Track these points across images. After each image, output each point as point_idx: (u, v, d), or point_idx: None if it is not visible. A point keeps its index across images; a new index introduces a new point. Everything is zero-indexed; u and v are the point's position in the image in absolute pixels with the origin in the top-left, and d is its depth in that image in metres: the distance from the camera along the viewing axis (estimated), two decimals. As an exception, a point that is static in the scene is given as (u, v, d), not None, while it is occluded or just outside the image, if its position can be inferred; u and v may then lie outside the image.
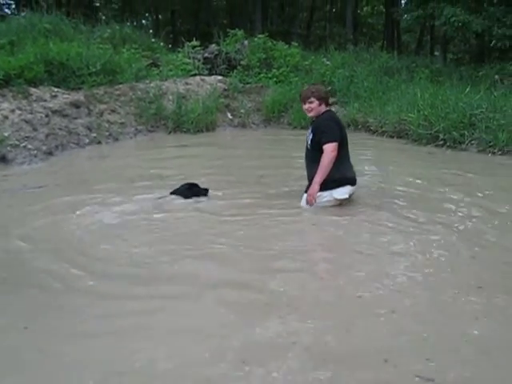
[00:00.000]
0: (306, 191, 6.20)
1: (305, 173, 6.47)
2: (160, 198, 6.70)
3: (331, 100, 13.96)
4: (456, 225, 5.63)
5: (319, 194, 6.07)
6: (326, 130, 6.04)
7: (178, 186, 6.94)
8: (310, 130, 6.32)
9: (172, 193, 6.81)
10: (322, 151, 5.97)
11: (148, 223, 5.76)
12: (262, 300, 3.87)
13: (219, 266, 4.52)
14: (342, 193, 6.16)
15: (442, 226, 5.56)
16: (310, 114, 6.39)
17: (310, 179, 6.17)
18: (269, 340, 3.32)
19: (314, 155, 6.12)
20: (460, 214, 6.07)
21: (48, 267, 4.54)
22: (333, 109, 13.42)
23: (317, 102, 6.20)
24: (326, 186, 6.04)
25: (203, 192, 6.88)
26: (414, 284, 4.16)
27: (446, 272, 4.40)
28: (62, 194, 6.94)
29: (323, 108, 6.25)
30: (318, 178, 5.98)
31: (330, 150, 5.94)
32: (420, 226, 5.61)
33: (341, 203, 6.20)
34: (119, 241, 5.23)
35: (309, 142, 6.25)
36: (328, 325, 3.54)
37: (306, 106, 6.30)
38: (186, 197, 6.72)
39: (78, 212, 6.13)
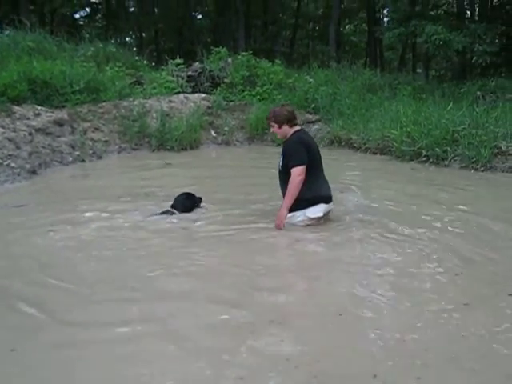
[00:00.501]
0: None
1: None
2: (162, 213, 6.66)
3: (314, 117, 14.23)
4: (438, 240, 5.62)
5: (292, 214, 6.09)
6: (293, 153, 6.04)
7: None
8: (281, 152, 6.33)
9: (173, 206, 6.76)
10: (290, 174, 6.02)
11: (126, 242, 5.69)
12: (247, 319, 3.86)
13: (201, 286, 4.50)
14: (315, 211, 6.14)
15: (424, 242, 5.57)
16: (278, 137, 6.56)
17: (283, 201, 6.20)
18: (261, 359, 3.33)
19: (284, 177, 6.13)
20: (442, 229, 6.07)
21: (26, 286, 4.50)
22: (316, 126, 13.73)
23: (276, 126, 6.24)
24: (298, 205, 6.05)
25: (199, 201, 7.01)
26: (398, 301, 4.15)
27: (430, 289, 4.39)
28: (43, 213, 6.90)
29: (288, 129, 6.24)
30: (286, 202, 6.02)
31: (296, 174, 5.94)
32: (402, 242, 5.61)
33: (318, 221, 6.19)
34: (94, 260, 5.18)
35: (280, 165, 6.25)
36: (315, 342, 3.55)
37: (271, 130, 6.43)
38: (186, 208, 6.76)
39: (56, 230, 6.10)
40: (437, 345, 3.45)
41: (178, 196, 6.90)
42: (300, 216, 6.13)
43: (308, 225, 6.14)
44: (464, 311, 3.95)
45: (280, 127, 6.22)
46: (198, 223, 6.41)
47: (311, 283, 4.76)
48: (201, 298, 4.25)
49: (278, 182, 6.44)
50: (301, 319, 3.88)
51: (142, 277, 4.73)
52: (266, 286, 4.51)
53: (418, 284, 4.49)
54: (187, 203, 6.81)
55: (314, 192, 6.09)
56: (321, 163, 6.34)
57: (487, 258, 5.13)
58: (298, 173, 5.93)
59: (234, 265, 5.06)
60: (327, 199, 6.26)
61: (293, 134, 6.23)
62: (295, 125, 6.30)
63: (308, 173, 5.99)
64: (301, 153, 6.01)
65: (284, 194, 6.19)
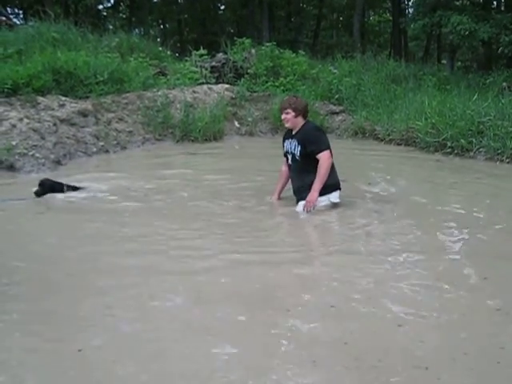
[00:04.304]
0: (298, 199, 6.44)
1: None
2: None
3: (338, 108, 14.18)
4: (465, 239, 5.54)
5: (318, 199, 6.25)
6: (317, 140, 6.28)
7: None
8: (294, 142, 6.44)
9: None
10: (313, 161, 6.20)
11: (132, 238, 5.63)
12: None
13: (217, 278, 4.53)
14: (336, 196, 6.45)
15: (450, 241, 5.47)
16: (287, 125, 6.67)
17: (301, 189, 6.39)
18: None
19: (304, 166, 6.34)
20: (469, 227, 5.85)
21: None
22: (340, 117, 13.71)
23: (292, 114, 6.44)
24: (325, 191, 6.25)
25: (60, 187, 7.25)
26: (423, 298, 4.06)
27: (457, 292, 4.18)
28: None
29: (300, 120, 6.47)
30: (318, 185, 6.17)
31: (326, 157, 6.18)
32: (425, 238, 5.57)
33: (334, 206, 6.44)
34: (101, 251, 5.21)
35: (297, 154, 6.37)
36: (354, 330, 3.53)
37: (283, 116, 6.58)
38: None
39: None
40: (475, 350, 3.29)
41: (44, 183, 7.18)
42: (325, 201, 6.36)
43: (327, 209, 6.40)
44: (496, 315, 3.76)
45: (296, 116, 6.44)
46: (219, 213, 6.53)
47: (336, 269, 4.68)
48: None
49: (290, 173, 6.66)
50: (335, 306, 3.87)
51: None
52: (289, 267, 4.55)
53: (444, 286, 4.26)
54: (39, 190, 7.05)
55: (334, 178, 6.41)
56: None
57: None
58: (327, 156, 6.20)
59: (259, 247, 5.06)
60: (340, 186, 6.54)
61: (305, 124, 6.49)
62: (306, 118, 6.60)
63: None
64: (324, 139, 6.35)
65: (300, 183, 6.43)
